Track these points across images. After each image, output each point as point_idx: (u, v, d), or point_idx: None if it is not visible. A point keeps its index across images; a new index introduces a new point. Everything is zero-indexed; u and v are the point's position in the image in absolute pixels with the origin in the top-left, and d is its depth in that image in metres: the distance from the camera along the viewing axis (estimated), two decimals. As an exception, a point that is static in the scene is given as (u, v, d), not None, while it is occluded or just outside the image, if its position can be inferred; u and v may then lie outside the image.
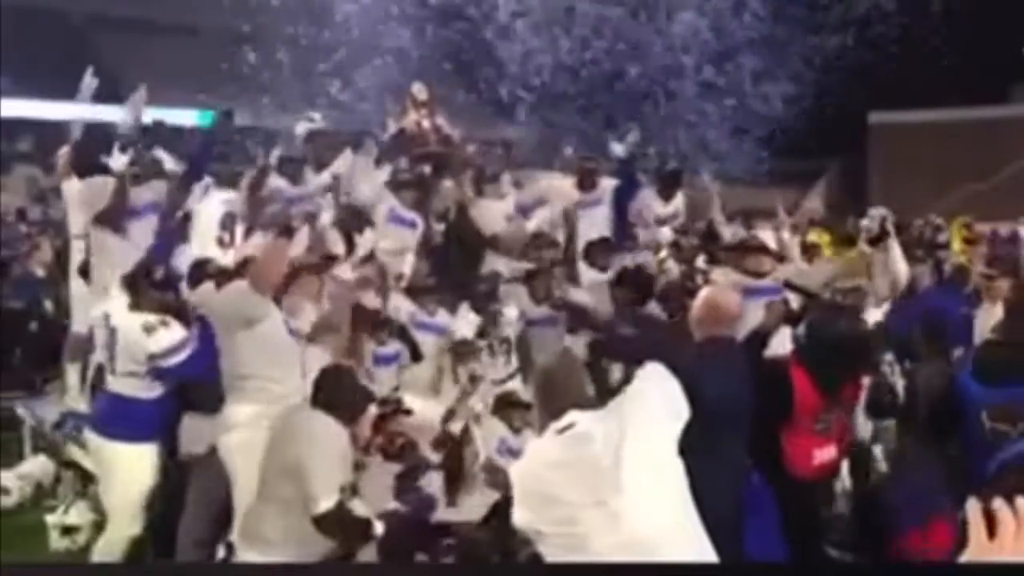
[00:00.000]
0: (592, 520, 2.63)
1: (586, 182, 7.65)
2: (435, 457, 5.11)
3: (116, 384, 4.70)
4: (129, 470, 4.64)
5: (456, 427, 5.35)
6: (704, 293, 4.18)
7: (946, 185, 18.02)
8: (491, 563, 4.31)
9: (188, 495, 4.83)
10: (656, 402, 2.85)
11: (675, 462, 2.76)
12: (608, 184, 7.63)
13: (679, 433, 2.81)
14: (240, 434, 4.43)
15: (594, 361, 5.68)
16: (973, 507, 1.43)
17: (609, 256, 6.92)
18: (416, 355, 5.82)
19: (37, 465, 6.51)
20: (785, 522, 3.57)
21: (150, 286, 4.70)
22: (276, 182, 6.73)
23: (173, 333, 4.55)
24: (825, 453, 3.82)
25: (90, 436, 4.88)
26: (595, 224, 7.46)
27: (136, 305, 4.65)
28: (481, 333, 6.08)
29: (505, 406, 5.74)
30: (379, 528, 3.99)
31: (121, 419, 4.69)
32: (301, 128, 6.85)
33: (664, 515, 2.68)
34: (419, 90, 8.96)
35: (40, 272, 8.91)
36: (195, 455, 4.85)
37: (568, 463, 2.71)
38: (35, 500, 6.29)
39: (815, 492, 3.93)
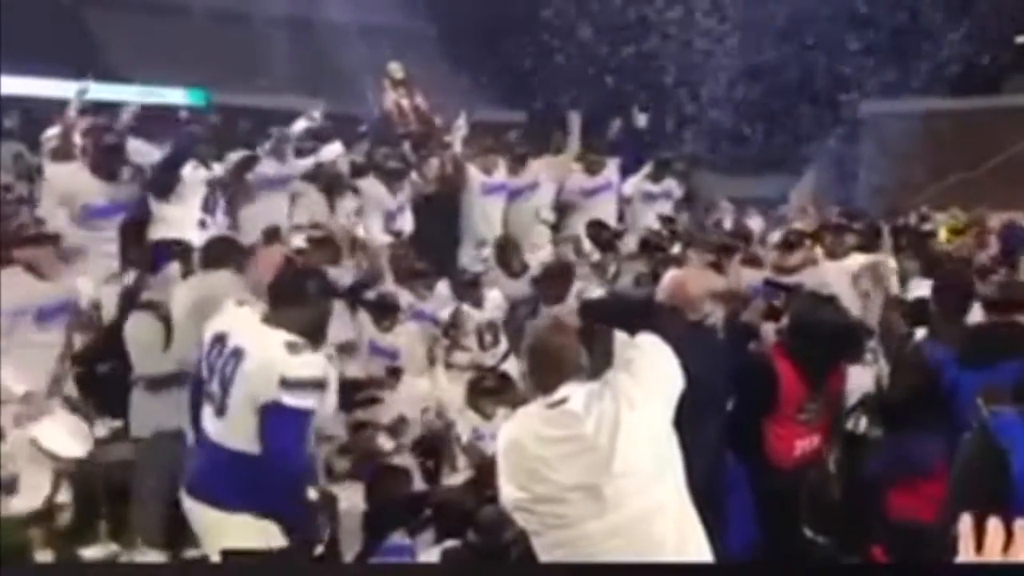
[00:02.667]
0: (579, 503, 2.59)
1: (595, 167, 7.66)
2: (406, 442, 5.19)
3: (221, 431, 3.62)
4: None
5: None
6: (671, 274, 4.19)
7: (935, 175, 18.06)
8: (489, 562, 4.35)
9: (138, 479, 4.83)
10: (650, 374, 2.75)
11: (671, 440, 2.71)
12: (613, 164, 7.66)
13: (675, 405, 2.75)
14: None
15: (586, 325, 5.62)
16: (965, 520, 1.45)
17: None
18: None
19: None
20: (765, 511, 3.62)
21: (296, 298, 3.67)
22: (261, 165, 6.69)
23: (318, 365, 3.55)
24: (807, 443, 3.85)
25: (187, 500, 3.77)
26: (602, 209, 7.48)
27: (274, 320, 3.60)
28: (454, 322, 6.13)
29: (475, 394, 5.79)
30: None
31: (227, 480, 3.58)
32: (300, 125, 6.79)
33: (654, 501, 2.63)
34: (395, 69, 8.93)
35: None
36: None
37: (559, 440, 2.64)
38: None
39: (795, 481, 3.95)
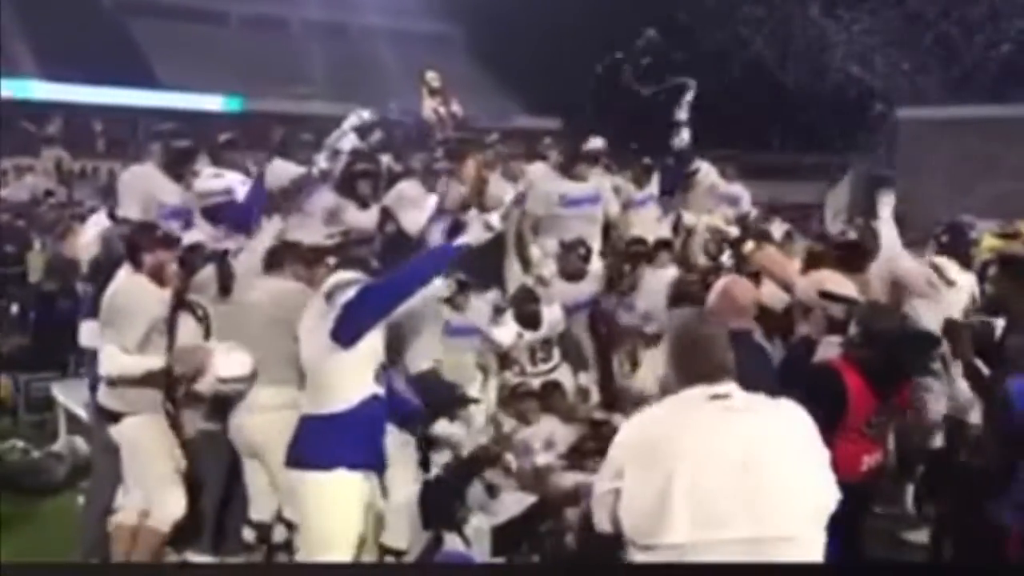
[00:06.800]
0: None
1: (643, 179, 7.61)
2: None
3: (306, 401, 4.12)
4: (324, 503, 3.92)
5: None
6: (720, 284, 4.15)
7: (975, 183, 17.81)
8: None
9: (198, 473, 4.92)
10: None
11: None
12: (654, 176, 7.60)
13: None
14: (264, 416, 4.50)
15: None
16: None
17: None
18: None
19: (71, 446, 6.57)
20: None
21: None
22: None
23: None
24: (873, 458, 3.76)
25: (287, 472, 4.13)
26: (646, 222, 7.41)
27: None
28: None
29: (515, 398, 5.72)
30: None
31: (312, 443, 3.99)
32: (349, 123, 6.73)
33: None
34: (432, 78, 8.91)
35: (71, 253, 8.96)
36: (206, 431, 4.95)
37: (736, 451, 2.48)
38: (69, 481, 6.35)
39: (860, 498, 3.85)
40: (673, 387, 2.67)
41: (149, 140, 6.25)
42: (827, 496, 2.60)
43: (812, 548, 2.54)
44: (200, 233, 5.50)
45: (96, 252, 6.05)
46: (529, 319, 6.13)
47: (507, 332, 5.99)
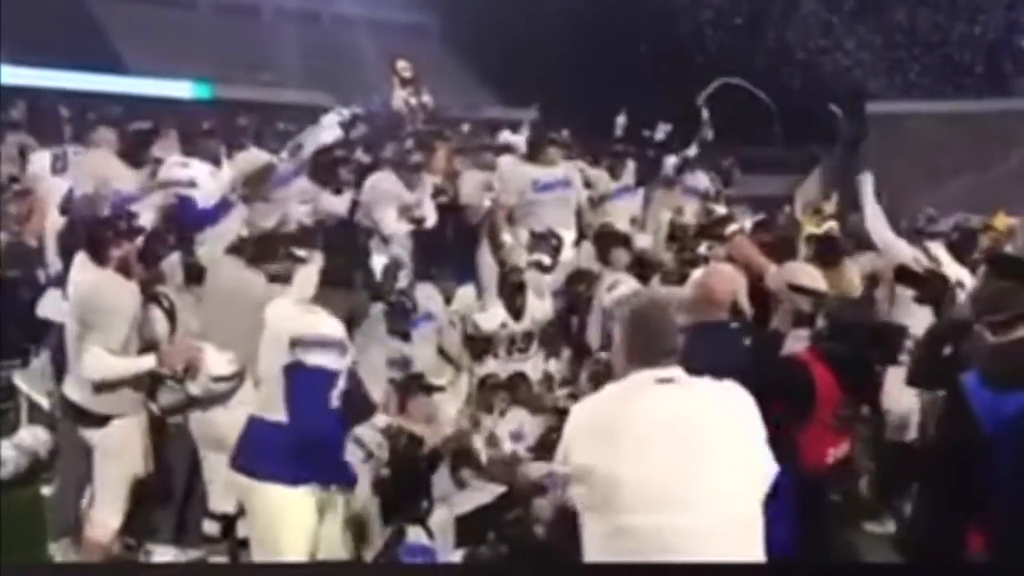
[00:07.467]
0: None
1: (618, 169, 7.57)
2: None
3: (258, 402, 3.98)
4: (278, 517, 3.76)
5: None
6: (699, 274, 4.14)
7: (943, 176, 18.00)
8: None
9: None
10: None
11: None
12: (630, 168, 7.58)
13: None
14: (238, 411, 4.34)
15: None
16: None
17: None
18: None
19: (33, 436, 6.47)
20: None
21: None
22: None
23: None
24: (840, 450, 3.76)
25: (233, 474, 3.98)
26: (623, 214, 7.40)
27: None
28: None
29: (485, 390, 5.71)
30: None
31: (259, 451, 3.82)
32: (328, 120, 6.65)
33: None
34: (404, 68, 8.87)
35: (33, 241, 8.81)
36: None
37: (679, 432, 2.55)
38: (31, 472, 6.26)
39: (827, 488, 3.88)
40: (622, 371, 2.72)
41: (96, 124, 6.11)
42: (766, 471, 2.66)
43: (754, 523, 2.60)
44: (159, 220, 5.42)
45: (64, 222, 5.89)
46: (514, 293, 6.11)
47: (491, 318, 5.99)
